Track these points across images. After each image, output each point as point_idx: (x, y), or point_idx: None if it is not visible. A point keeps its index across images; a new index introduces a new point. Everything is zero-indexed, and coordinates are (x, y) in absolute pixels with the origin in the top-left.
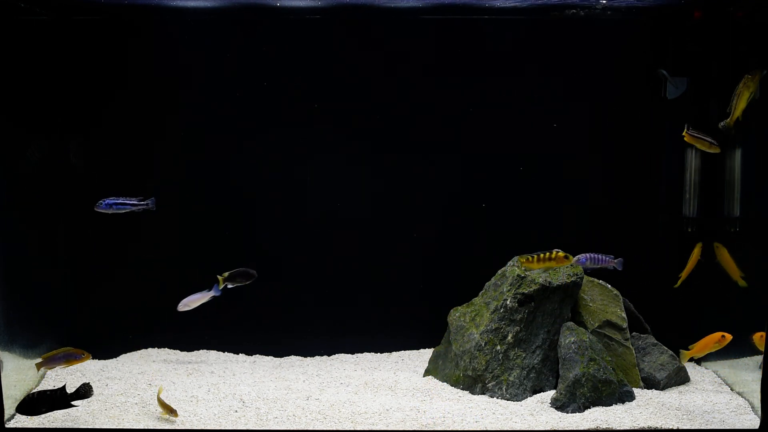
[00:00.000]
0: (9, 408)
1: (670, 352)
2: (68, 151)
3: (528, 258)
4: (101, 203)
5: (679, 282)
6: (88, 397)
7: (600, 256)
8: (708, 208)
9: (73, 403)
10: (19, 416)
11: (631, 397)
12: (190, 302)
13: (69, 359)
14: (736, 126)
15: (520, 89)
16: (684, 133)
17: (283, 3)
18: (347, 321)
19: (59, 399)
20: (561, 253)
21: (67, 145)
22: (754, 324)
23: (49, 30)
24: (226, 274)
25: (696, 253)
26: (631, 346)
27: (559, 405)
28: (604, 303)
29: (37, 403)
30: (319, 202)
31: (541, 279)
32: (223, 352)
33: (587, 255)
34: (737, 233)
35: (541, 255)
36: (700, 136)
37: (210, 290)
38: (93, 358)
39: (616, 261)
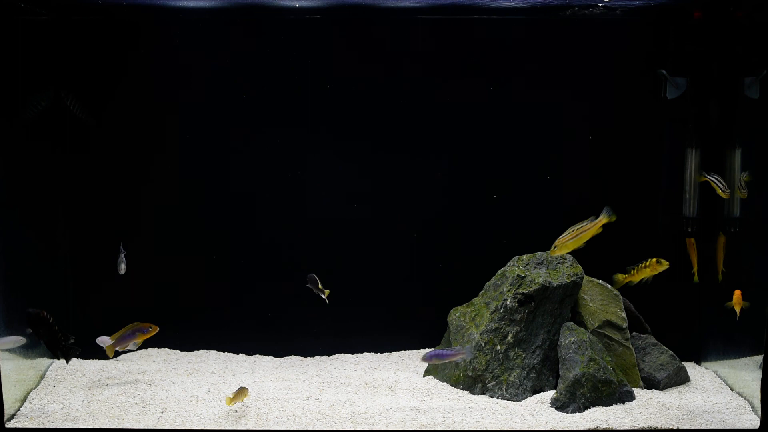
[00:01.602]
0: (9, 408)
1: (670, 352)
2: (68, 150)
3: (632, 271)
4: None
5: (695, 276)
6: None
7: (446, 351)
8: (708, 208)
9: (65, 356)
10: (18, 416)
11: (631, 397)
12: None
13: (138, 334)
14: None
15: (520, 89)
16: (699, 177)
17: (283, 3)
18: (347, 321)
19: (58, 339)
20: (653, 260)
21: (67, 145)
22: (755, 324)
23: (48, 30)
24: (327, 292)
25: (693, 244)
26: (631, 346)
27: (559, 405)
28: (604, 303)
29: (44, 325)
30: (319, 201)
31: (541, 279)
32: (223, 352)
33: (433, 351)
34: (737, 233)
35: (640, 265)
36: (714, 179)
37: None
38: (93, 358)
39: (464, 351)
